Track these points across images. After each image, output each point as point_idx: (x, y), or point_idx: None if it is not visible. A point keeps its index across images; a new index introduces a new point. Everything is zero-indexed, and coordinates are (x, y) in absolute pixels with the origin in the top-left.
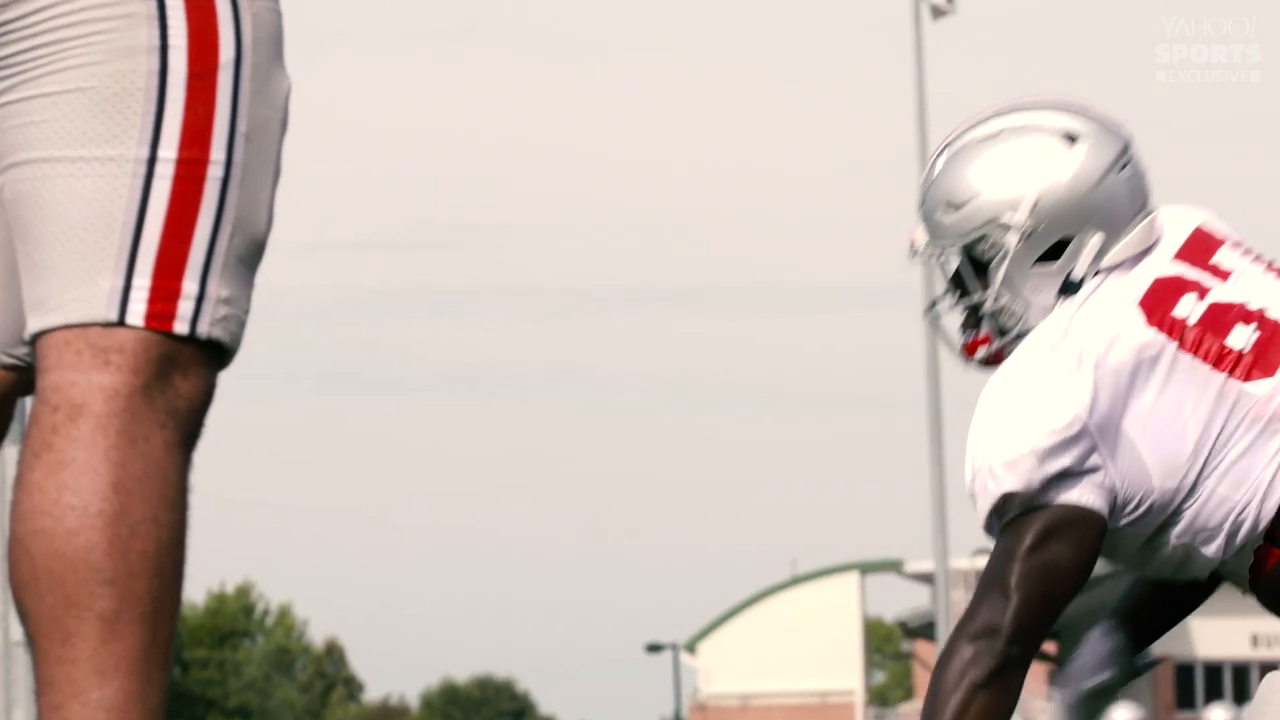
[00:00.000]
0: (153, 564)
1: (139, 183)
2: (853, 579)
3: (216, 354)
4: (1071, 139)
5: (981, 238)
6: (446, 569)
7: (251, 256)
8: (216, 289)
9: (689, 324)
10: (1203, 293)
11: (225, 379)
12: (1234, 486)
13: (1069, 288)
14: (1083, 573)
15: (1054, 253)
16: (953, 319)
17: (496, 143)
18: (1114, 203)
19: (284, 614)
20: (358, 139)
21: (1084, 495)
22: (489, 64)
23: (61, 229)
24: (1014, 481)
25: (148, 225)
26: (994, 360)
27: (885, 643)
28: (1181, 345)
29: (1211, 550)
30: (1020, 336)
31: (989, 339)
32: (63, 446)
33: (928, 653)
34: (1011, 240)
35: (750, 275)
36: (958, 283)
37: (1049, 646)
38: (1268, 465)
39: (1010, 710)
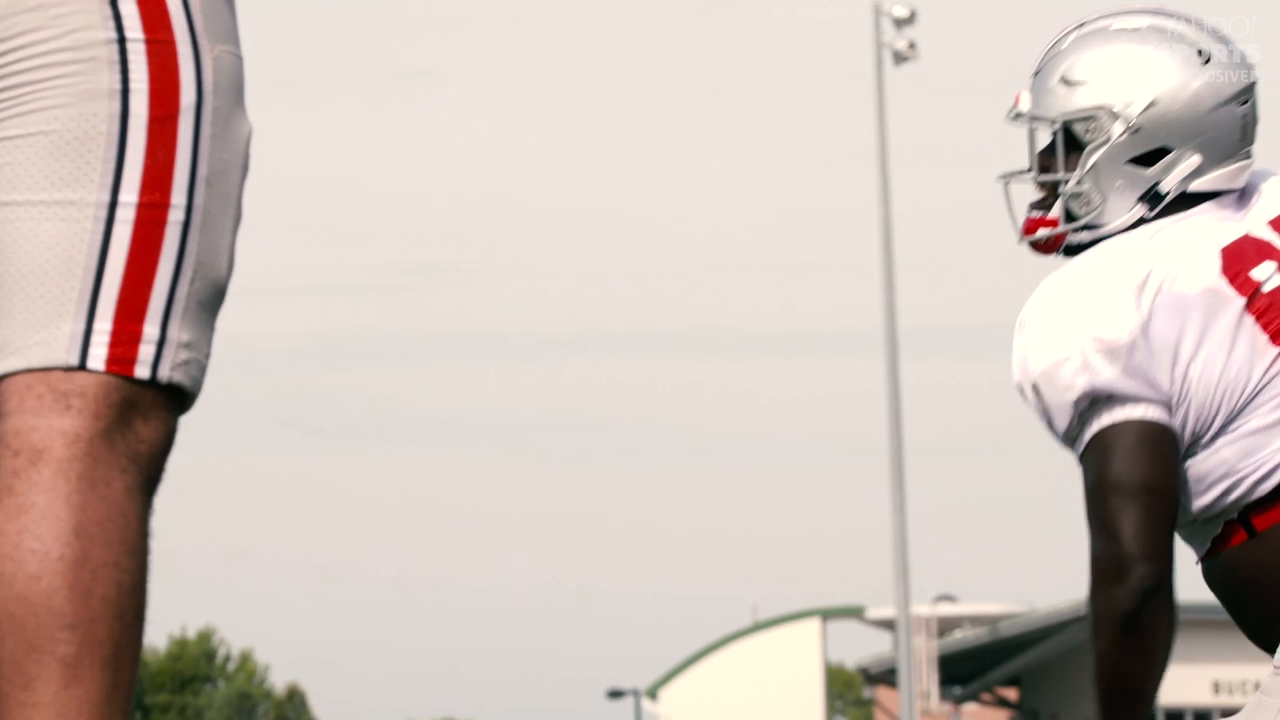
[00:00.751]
0: (114, 609)
1: (100, 227)
2: (814, 625)
3: (178, 398)
4: (1206, 58)
5: (1088, 118)
6: (408, 615)
7: (213, 301)
8: (178, 333)
9: (650, 370)
10: None
11: (185, 424)
12: (1241, 455)
13: (1153, 198)
14: (1172, 480)
15: (1149, 159)
16: (1022, 195)
17: (451, 188)
18: (1223, 131)
19: (245, 659)
20: (311, 184)
21: (1149, 410)
22: (447, 109)
23: (23, 273)
24: (1089, 384)
25: (109, 269)
26: (1048, 246)
27: (847, 689)
28: (1248, 306)
29: (1194, 506)
30: (1087, 229)
31: (1055, 223)
32: (24, 491)
33: (889, 699)
34: (1116, 130)
35: (711, 321)
36: (1045, 159)
37: (1010, 693)
38: (1277, 451)
39: (1172, 632)
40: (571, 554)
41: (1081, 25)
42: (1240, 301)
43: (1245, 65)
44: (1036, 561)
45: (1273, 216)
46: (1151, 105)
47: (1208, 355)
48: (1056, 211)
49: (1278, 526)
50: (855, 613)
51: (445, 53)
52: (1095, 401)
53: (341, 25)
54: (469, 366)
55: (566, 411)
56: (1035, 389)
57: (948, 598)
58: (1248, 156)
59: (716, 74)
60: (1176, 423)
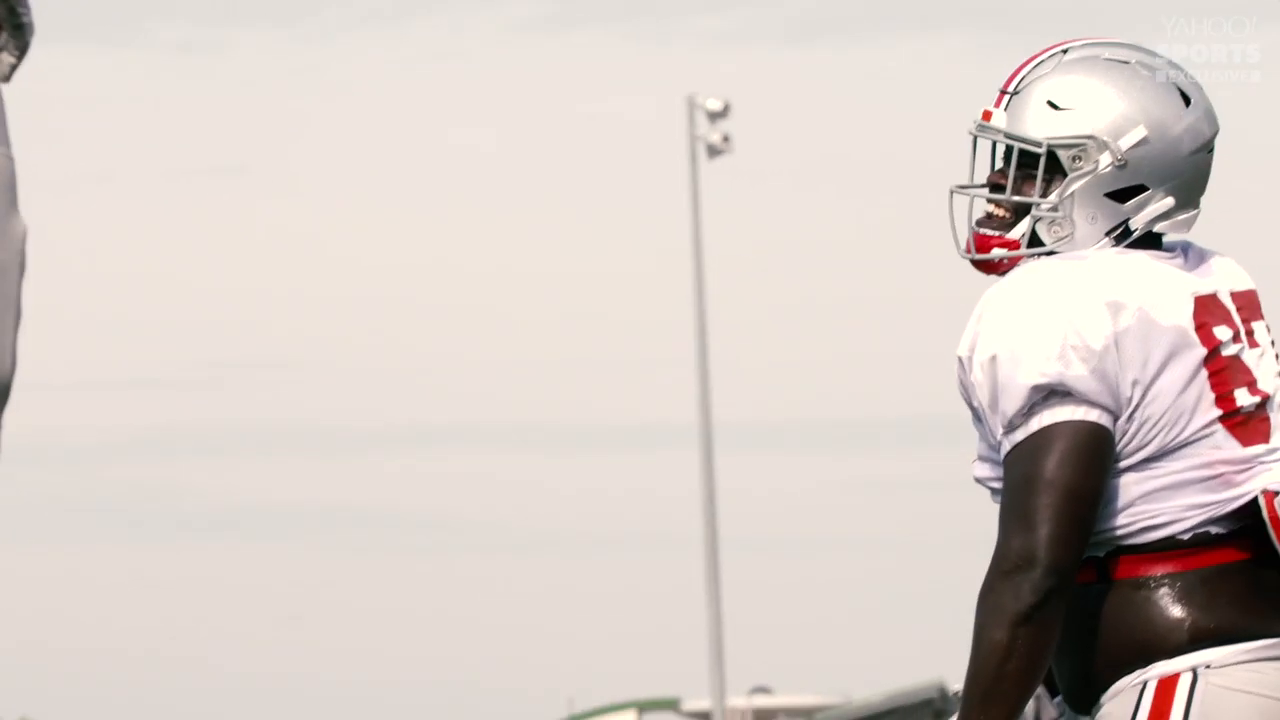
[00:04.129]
0: None
1: None
2: (630, 718)
3: None
4: (1188, 102)
5: (1077, 146)
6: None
7: None
8: None
9: (464, 463)
10: (1236, 339)
11: (8, 520)
12: (1145, 498)
13: (1121, 234)
14: (1099, 488)
15: (1125, 195)
16: (963, 210)
17: (264, 283)
18: (1194, 177)
19: None
20: (123, 279)
21: (1102, 417)
22: (257, 205)
23: None
24: (1058, 374)
25: None
26: (997, 267)
27: None
28: (1207, 360)
29: (1105, 529)
30: (1049, 255)
31: (1015, 244)
32: None
33: None
34: (1103, 161)
35: (525, 415)
36: (1001, 177)
37: None
38: (1185, 509)
39: (1054, 641)
40: (384, 646)
41: (1065, 50)
42: (1202, 352)
43: (1214, 116)
44: (852, 652)
45: (1238, 290)
46: (1142, 142)
47: (1162, 387)
48: (1020, 233)
49: (1129, 581)
50: (671, 705)
51: (253, 149)
52: (1054, 394)
53: (151, 122)
54: (283, 460)
55: (380, 505)
56: (992, 362)
57: (763, 689)
58: (1199, 207)
59: (530, 168)
60: (1117, 437)
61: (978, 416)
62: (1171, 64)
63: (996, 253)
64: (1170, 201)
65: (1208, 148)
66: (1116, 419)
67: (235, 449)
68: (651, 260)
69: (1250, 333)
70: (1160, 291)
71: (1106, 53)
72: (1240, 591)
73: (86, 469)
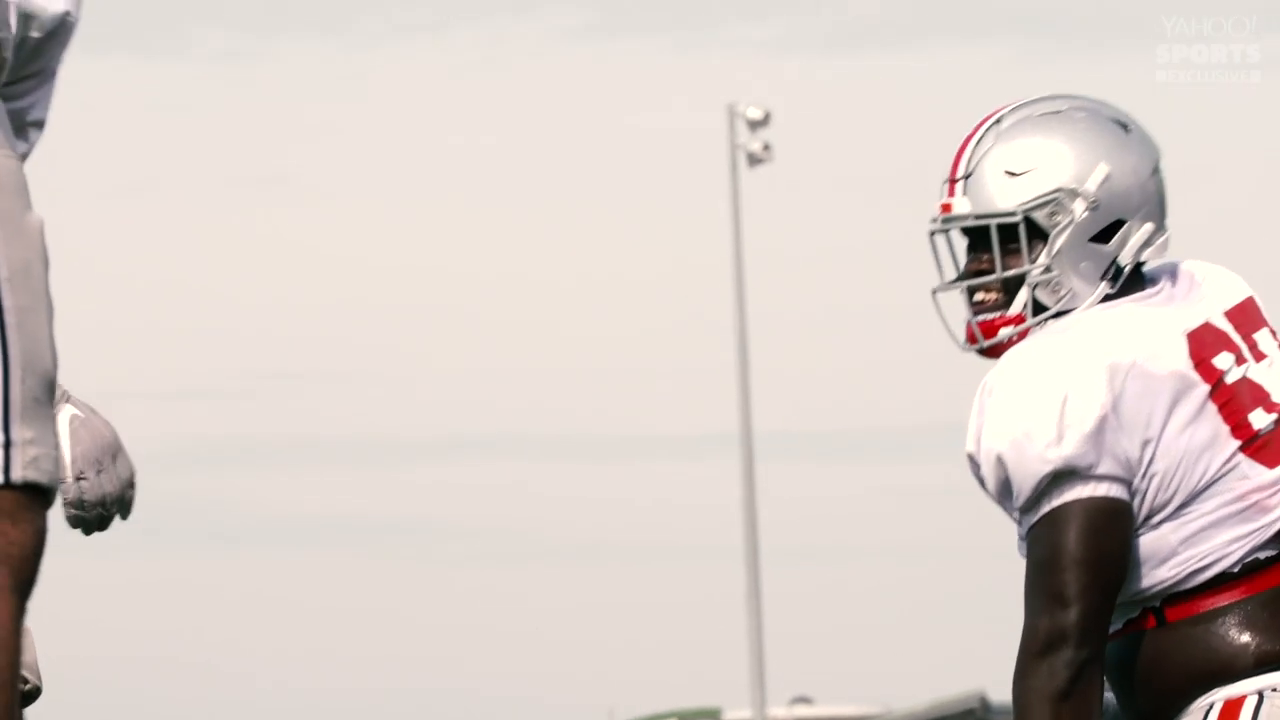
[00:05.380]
0: None
1: None
2: None
3: (39, 495)
4: (1125, 128)
5: (1049, 203)
6: (260, 718)
7: (46, 394)
8: (20, 433)
9: (505, 474)
10: (1240, 360)
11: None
12: (1185, 544)
13: (1114, 274)
14: (1126, 561)
15: (1106, 235)
16: (951, 303)
17: (305, 293)
18: (1160, 198)
19: None
20: (163, 288)
21: (1111, 488)
22: (299, 215)
23: None
24: (1060, 458)
25: None
26: (1007, 346)
27: None
28: (1212, 394)
29: (1141, 587)
30: (1058, 315)
31: (1020, 319)
32: None
33: None
34: (1079, 209)
35: (567, 425)
36: (981, 261)
37: None
38: (1225, 546)
39: (1097, 709)
40: (424, 658)
41: (999, 121)
42: (1205, 388)
43: (1152, 139)
44: (893, 663)
45: (1229, 308)
46: (1106, 179)
47: (1172, 437)
48: (1019, 306)
49: (1187, 620)
50: (712, 715)
51: (294, 158)
52: (1060, 476)
53: (194, 132)
54: (320, 471)
55: (421, 515)
56: (999, 459)
57: (804, 699)
58: (1169, 229)
59: (572, 177)
60: (1135, 499)
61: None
62: (1099, 101)
63: (1005, 333)
64: (1149, 227)
65: (1158, 169)
66: (1131, 483)
67: (272, 459)
68: (692, 269)
69: (1254, 345)
70: (1152, 340)
71: (1038, 109)
72: None
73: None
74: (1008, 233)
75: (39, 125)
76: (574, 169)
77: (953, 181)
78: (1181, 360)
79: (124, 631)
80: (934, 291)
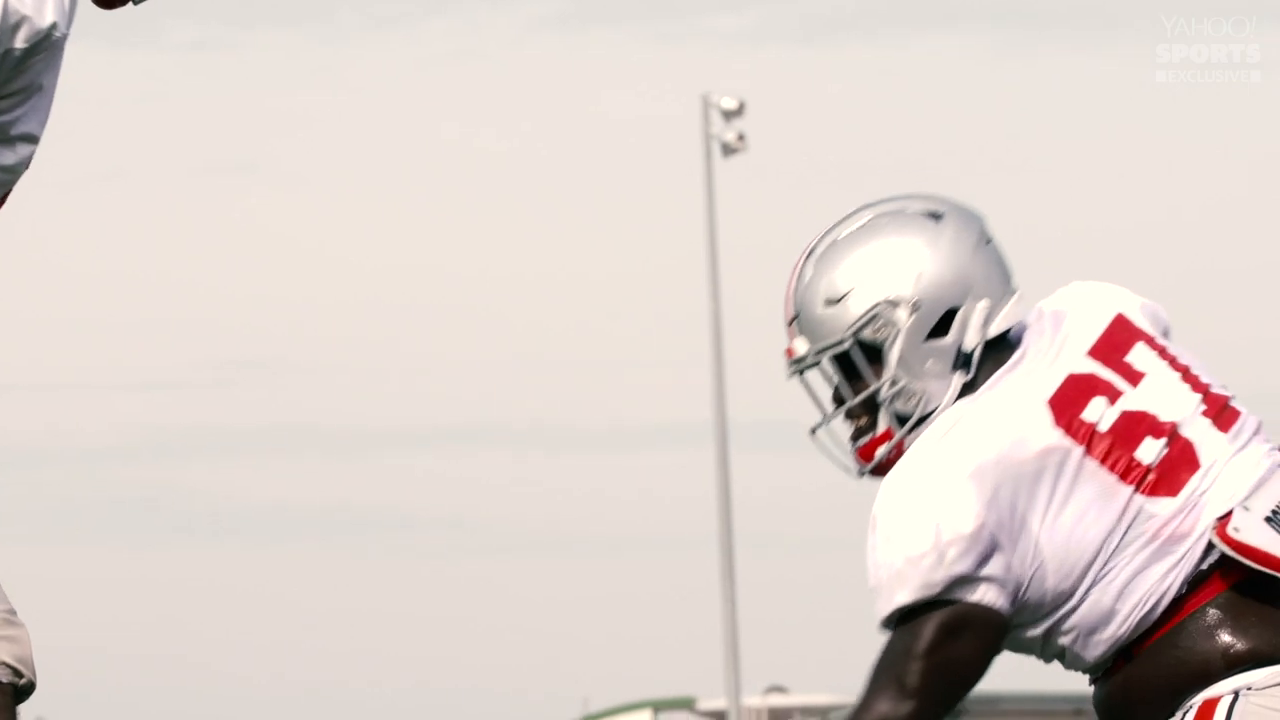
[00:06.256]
0: None
1: None
2: (645, 717)
3: None
4: (936, 216)
5: (872, 320)
6: (234, 711)
7: None
8: None
9: (477, 464)
10: (1114, 397)
11: (15, 517)
12: (1123, 597)
13: (963, 362)
14: (981, 671)
15: (942, 328)
16: (832, 436)
17: (275, 282)
18: (990, 271)
19: None
20: (134, 278)
21: (985, 594)
22: (268, 203)
23: None
24: (917, 586)
25: None
26: (891, 462)
27: None
28: (1089, 451)
29: (1091, 654)
30: (921, 422)
31: (889, 435)
32: None
33: None
34: (902, 316)
35: (540, 415)
36: (848, 379)
37: None
38: (1158, 584)
39: None
40: (396, 648)
41: (810, 253)
42: (1079, 450)
43: (969, 208)
44: (868, 651)
45: (1092, 344)
46: (920, 276)
47: (1057, 518)
48: (885, 423)
49: (1153, 647)
50: (686, 704)
51: (265, 148)
52: (945, 589)
53: (166, 121)
54: (294, 461)
55: (394, 507)
56: (890, 591)
57: (779, 688)
58: (1016, 288)
59: (545, 167)
60: (1031, 593)
61: None
62: (903, 196)
63: (881, 452)
64: (985, 302)
65: (983, 240)
66: (1019, 584)
67: (246, 450)
68: (666, 259)
69: (1128, 370)
70: (1013, 426)
71: (844, 230)
72: (1268, 611)
73: (96, 470)
74: (848, 359)
75: (28, 139)
76: (547, 159)
77: (790, 325)
78: (1047, 433)
79: (96, 624)
80: (811, 432)
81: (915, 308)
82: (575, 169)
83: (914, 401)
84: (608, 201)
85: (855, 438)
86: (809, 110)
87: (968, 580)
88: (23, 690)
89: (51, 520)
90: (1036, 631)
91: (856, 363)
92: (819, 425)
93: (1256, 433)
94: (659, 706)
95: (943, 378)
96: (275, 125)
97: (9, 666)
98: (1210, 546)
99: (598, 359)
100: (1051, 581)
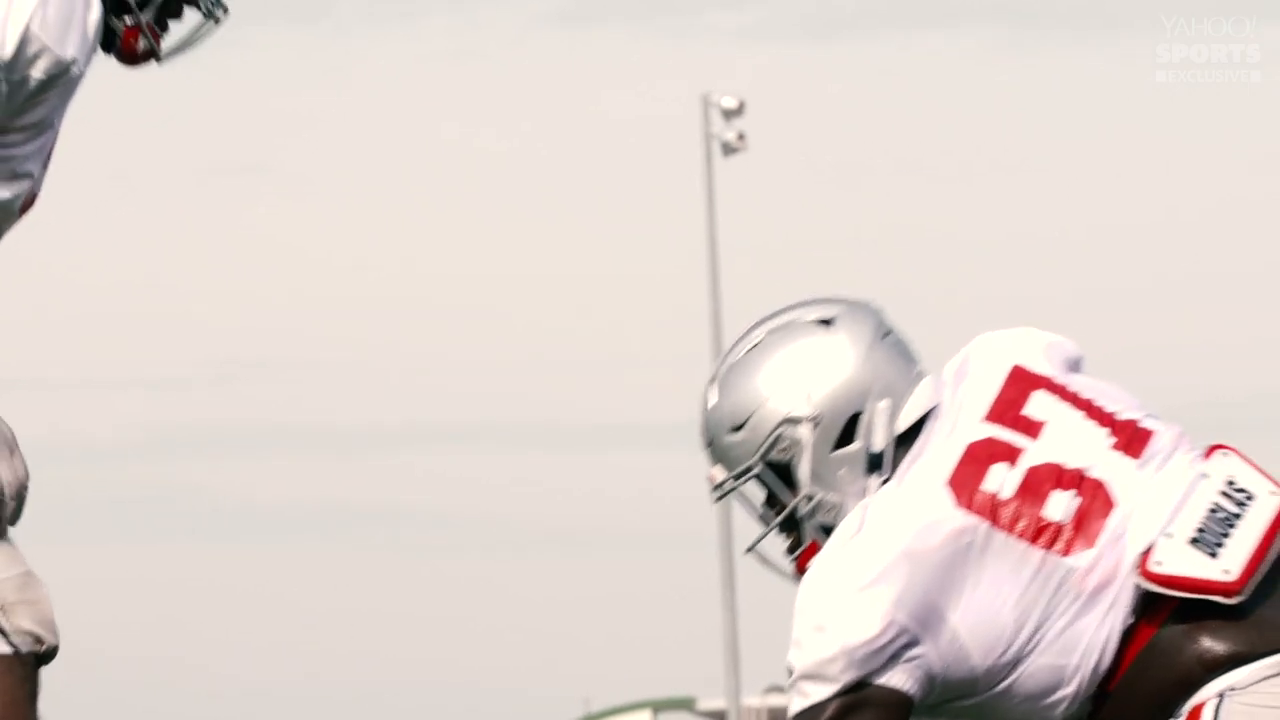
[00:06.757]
0: None
1: None
2: (645, 717)
3: None
4: (827, 323)
5: (775, 441)
6: (235, 711)
7: None
8: None
9: (480, 463)
10: (1014, 457)
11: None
12: (1063, 654)
13: (874, 463)
14: None
15: (849, 435)
16: (776, 548)
17: (281, 282)
18: (889, 368)
19: None
20: (139, 278)
21: (894, 678)
22: (276, 204)
23: None
24: (828, 684)
25: None
26: None
27: None
28: (995, 524)
29: (1054, 714)
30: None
31: (815, 547)
32: None
33: None
34: (804, 433)
35: (539, 414)
36: (770, 502)
37: None
38: (1098, 630)
39: None
40: (396, 647)
41: (713, 380)
42: (984, 525)
43: (863, 304)
44: None
45: (985, 412)
46: (813, 391)
47: (971, 599)
48: (809, 537)
49: (1122, 678)
50: (686, 704)
51: (268, 147)
52: (855, 687)
53: (168, 121)
54: (297, 460)
55: (394, 505)
56: (802, 688)
57: (778, 689)
58: (923, 372)
59: (545, 166)
60: (955, 673)
61: None
62: (797, 305)
63: (811, 564)
64: (886, 403)
65: (879, 335)
66: (932, 669)
67: (248, 448)
68: (666, 258)
69: (1027, 425)
70: (914, 517)
71: (738, 352)
72: (1231, 611)
73: (99, 468)
74: (766, 479)
75: (30, 177)
76: (548, 157)
77: (708, 451)
78: (951, 517)
79: (96, 623)
80: (746, 551)
81: (816, 422)
82: (575, 168)
83: (832, 513)
84: (607, 200)
85: (789, 553)
86: (809, 109)
87: (877, 670)
88: (45, 656)
89: (52, 519)
90: (981, 701)
91: (770, 483)
92: (751, 547)
93: (1176, 447)
94: (659, 706)
95: (857, 483)
96: (274, 124)
97: (30, 634)
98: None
99: (597, 358)
100: (977, 659)
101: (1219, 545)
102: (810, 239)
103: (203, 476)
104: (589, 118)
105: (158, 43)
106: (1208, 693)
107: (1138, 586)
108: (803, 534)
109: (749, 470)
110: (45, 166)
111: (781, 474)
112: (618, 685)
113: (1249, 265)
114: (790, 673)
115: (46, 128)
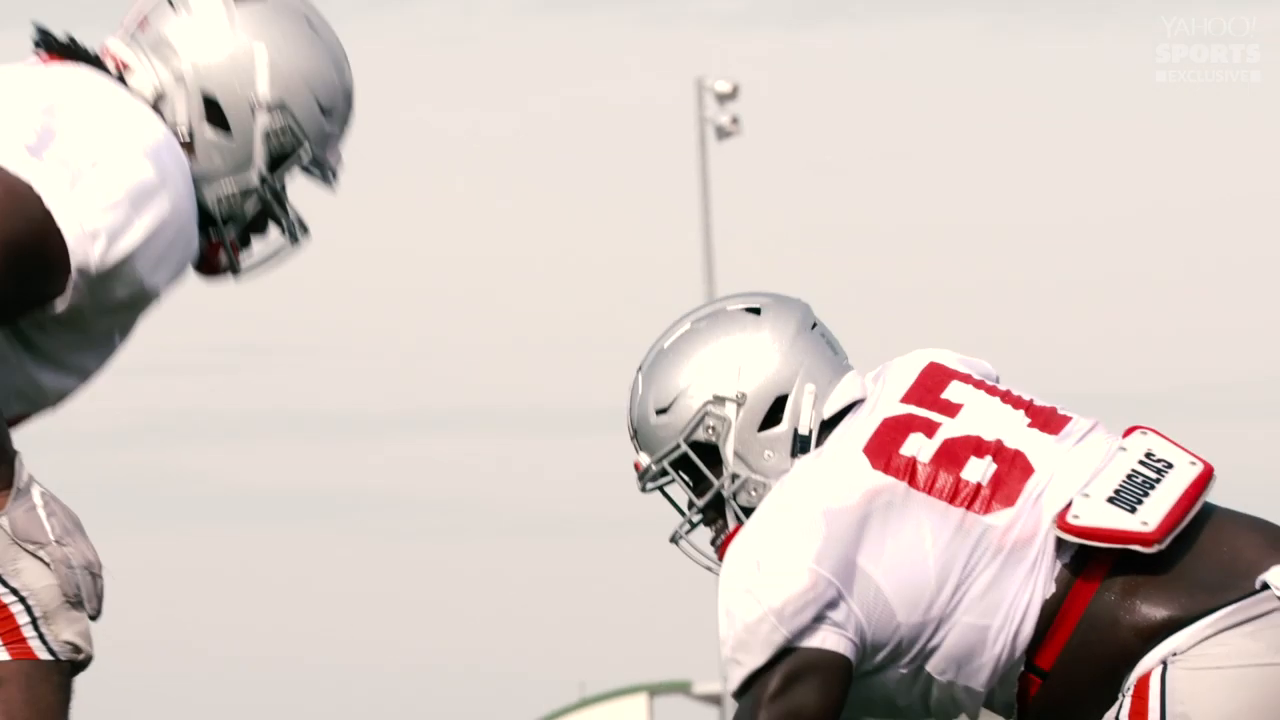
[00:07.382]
0: None
1: None
2: (641, 701)
3: None
4: (755, 311)
5: (700, 421)
6: (231, 694)
7: None
8: None
9: (469, 448)
10: (932, 430)
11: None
12: (985, 614)
13: (800, 446)
14: (828, 715)
15: (774, 417)
16: (700, 539)
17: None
18: (816, 355)
19: None
20: None
21: (827, 639)
22: None
23: None
24: (760, 650)
25: None
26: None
27: None
28: (913, 483)
29: (978, 683)
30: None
31: (739, 529)
32: None
33: None
34: (730, 412)
35: (532, 398)
36: (694, 483)
37: None
38: (1019, 592)
39: None
40: (393, 632)
41: (640, 369)
42: (902, 485)
43: (790, 299)
44: None
45: (902, 394)
46: (742, 371)
47: (892, 555)
48: (733, 520)
49: (1060, 655)
50: (682, 687)
51: None
52: (787, 644)
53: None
54: (290, 445)
55: (389, 490)
56: (736, 659)
57: None
58: (850, 366)
59: (538, 151)
60: (880, 632)
61: None
62: (727, 296)
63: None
64: (812, 387)
65: (807, 325)
66: (861, 626)
67: (246, 434)
68: (661, 242)
69: (944, 406)
70: (832, 478)
71: (667, 340)
72: (1162, 578)
73: (95, 454)
74: (689, 462)
75: (80, 372)
76: (541, 143)
77: (631, 441)
78: (867, 476)
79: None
80: (671, 540)
81: (741, 401)
82: (569, 153)
83: (758, 494)
84: (602, 185)
85: (713, 539)
86: (804, 94)
87: (807, 630)
88: (80, 665)
89: None
90: (908, 670)
91: (697, 465)
92: (675, 535)
93: (1093, 429)
94: (655, 690)
95: (782, 465)
96: None
97: (71, 645)
98: (1068, 543)
99: (591, 342)
100: (901, 615)
101: (1138, 504)
102: (804, 223)
103: (200, 463)
104: (582, 103)
105: (239, 259)
106: (1150, 661)
107: (1060, 552)
108: (726, 519)
109: (674, 451)
110: (100, 368)
111: (706, 456)
112: (613, 669)
113: (1249, 265)
114: (724, 656)
115: (107, 340)
